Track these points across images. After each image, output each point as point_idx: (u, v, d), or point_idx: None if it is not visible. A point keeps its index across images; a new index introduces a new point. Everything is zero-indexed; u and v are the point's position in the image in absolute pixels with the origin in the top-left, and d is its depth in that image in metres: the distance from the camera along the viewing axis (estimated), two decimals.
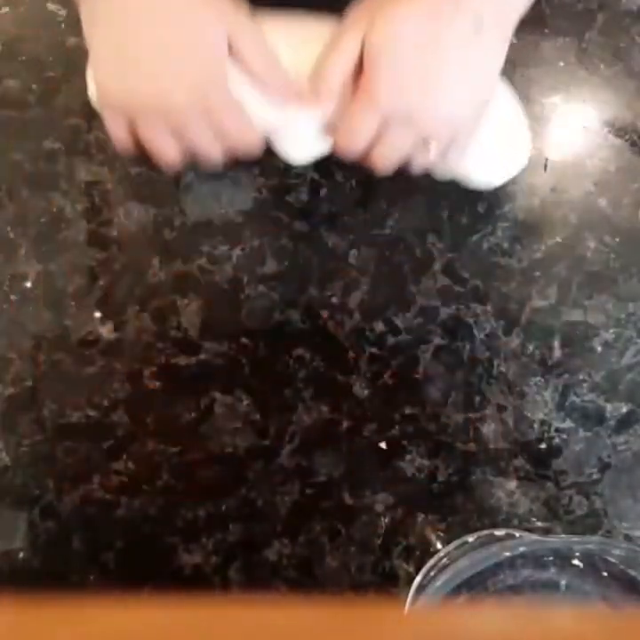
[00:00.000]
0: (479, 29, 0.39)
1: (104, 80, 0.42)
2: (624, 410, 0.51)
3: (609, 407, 0.51)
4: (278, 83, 0.42)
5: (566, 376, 0.51)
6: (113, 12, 0.39)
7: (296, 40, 0.43)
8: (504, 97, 0.46)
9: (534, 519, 0.50)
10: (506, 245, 0.51)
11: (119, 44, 0.40)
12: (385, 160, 0.43)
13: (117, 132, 0.43)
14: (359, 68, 0.41)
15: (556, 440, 0.50)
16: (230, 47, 0.40)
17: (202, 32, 0.40)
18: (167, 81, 0.40)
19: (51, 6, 0.51)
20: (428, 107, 0.41)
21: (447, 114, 0.42)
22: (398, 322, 0.50)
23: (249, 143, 0.43)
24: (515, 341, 0.51)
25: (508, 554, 0.46)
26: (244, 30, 0.41)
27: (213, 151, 0.43)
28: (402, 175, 0.45)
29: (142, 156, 0.43)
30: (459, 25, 0.39)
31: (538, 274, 0.51)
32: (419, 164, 0.44)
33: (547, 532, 0.50)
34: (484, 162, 0.47)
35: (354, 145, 0.43)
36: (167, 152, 0.43)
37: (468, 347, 0.50)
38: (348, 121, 0.42)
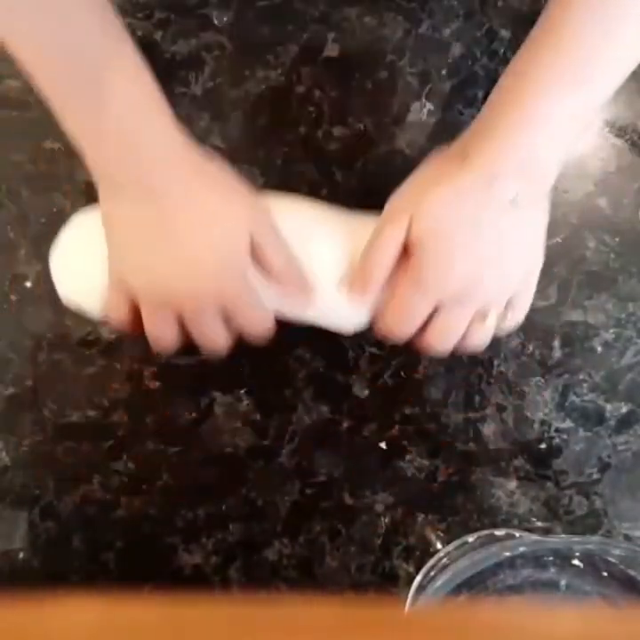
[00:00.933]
0: (515, 204, 0.40)
1: (124, 267, 0.42)
2: (624, 410, 0.51)
3: (609, 407, 0.51)
4: (296, 282, 0.43)
5: (566, 376, 0.51)
6: (145, 213, 0.40)
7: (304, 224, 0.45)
8: None
9: (534, 519, 0.50)
10: None
11: (148, 242, 0.40)
12: (442, 341, 0.43)
13: (119, 314, 0.43)
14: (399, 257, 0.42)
15: (556, 440, 0.50)
16: (252, 246, 0.41)
17: (231, 228, 0.41)
18: (190, 270, 0.40)
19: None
20: (477, 282, 0.41)
21: (497, 286, 0.42)
22: None
23: (261, 333, 0.44)
24: (515, 341, 0.51)
25: (507, 554, 0.46)
26: (268, 232, 0.42)
27: (220, 341, 0.43)
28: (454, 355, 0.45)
29: (140, 334, 0.43)
30: (495, 203, 0.40)
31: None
32: (478, 337, 0.44)
33: (547, 532, 0.50)
34: None
35: (404, 330, 0.43)
36: (167, 340, 0.43)
37: None
38: (397, 307, 0.42)
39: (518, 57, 0.40)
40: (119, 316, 0.43)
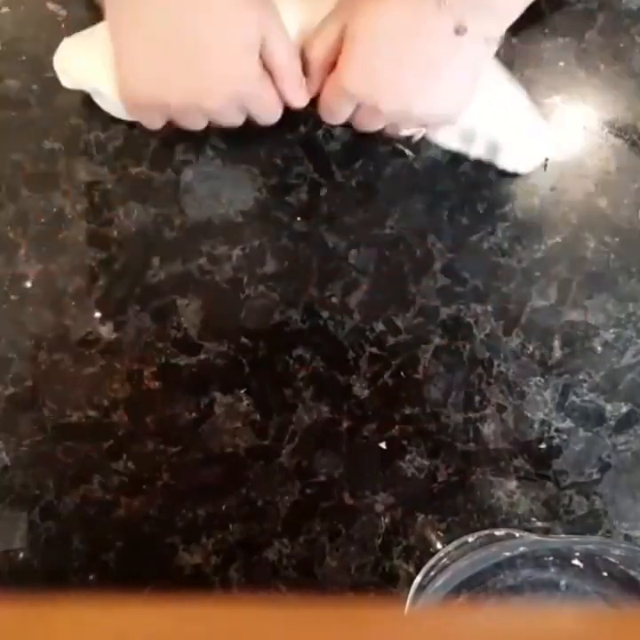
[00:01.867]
0: (461, 32, 0.39)
1: (135, 75, 0.42)
2: (624, 410, 0.51)
3: (609, 407, 0.51)
4: (295, 83, 0.44)
5: (566, 376, 0.51)
6: (151, 9, 0.40)
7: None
8: (517, 90, 0.48)
9: (534, 519, 0.50)
10: (506, 245, 0.51)
11: (155, 41, 0.40)
12: (364, 130, 0.45)
13: (150, 122, 0.44)
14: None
15: (556, 440, 0.50)
16: (263, 47, 0.42)
17: (242, 33, 0.41)
18: (204, 78, 0.41)
19: (51, 6, 0.51)
20: (395, 102, 0.42)
21: (417, 112, 0.43)
22: (398, 322, 0.50)
23: (272, 120, 0.46)
24: (515, 341, 0.51)
25: (507, 554, 0.46)
26: (279, 36, 0.42)
27: (237, 122, 0.45)
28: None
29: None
30: (438, 25, 0.39)
31: (538, 274, 0.51)
32: (396, 134, 0.46)
33: (547, 532, 0.50)
34: (507, 150, 0.49)
35: (333, 121, 0.45)
36: (196, 127, 0.45)
37: (467, 347, 0.50)
38: (323, 103, 0.44)
39: None
40: (153, 125, 0.45)
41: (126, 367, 0.50)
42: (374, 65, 0.41)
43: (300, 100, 0.45)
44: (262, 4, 0.42)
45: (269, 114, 0.45)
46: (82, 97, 0.51)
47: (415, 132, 0.46)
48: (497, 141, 0.48)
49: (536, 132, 0.50)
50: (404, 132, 0.46)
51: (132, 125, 0.51)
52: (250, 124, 0.46)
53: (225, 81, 0.41)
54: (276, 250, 0.50)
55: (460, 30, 0.39)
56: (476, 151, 0.49)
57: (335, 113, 0.45)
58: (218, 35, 0.40)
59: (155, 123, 0.45)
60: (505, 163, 0.50)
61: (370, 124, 0.45)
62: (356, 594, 0.49)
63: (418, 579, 0.47)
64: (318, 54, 0.43)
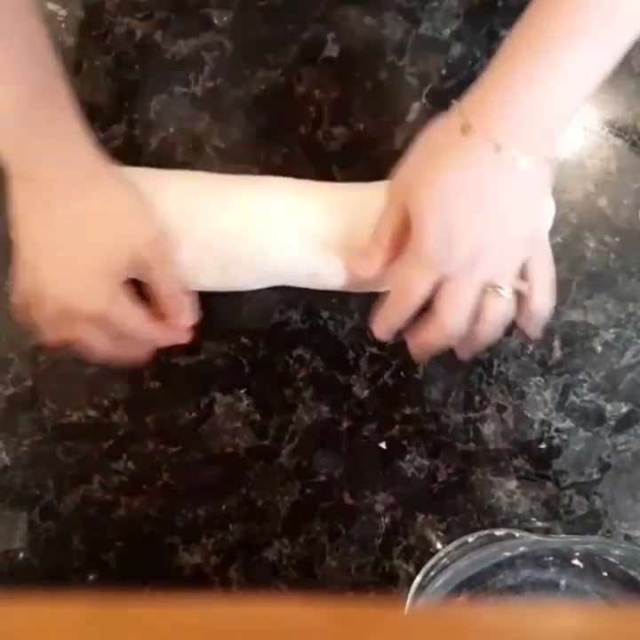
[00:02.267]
0: (519, 170, 0.39)
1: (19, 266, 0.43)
2: (624, 410, 0.51)
3: (609, 407, 0.51)
4: (179, 308, 0.45)
5: (566, 376, 0.51)
6: (33, 210, 0.41)
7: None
8: None
9: (534, 519, 0.50)
10: None
11: (40, 236, 0.42)
12: (451, 314, 0.42)
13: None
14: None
15: (556, 440, 0.50)
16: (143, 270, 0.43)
17: (110, 246, 0.42)
18: (66, 288, 0.41)
19: (51, 6, 0.51)
20: (481, 251, 0.40)
21: (503, 253, 0.41)
22: None
23: (139, 355, 0.46)
24: (515, 341, 0.51)
25: (507, 554, 0.46)
26: (156, 258, 0.43)
27: (105, 351, 0.44)
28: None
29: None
30: (499, 171, 0.39)
31: None
32: (495, 313, 0.43)
33: (547, 532, 0.50)
34: None
35: (408, 303, 0.42)
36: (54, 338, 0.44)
37: None
38: (396, 286, 0.43)
39: (516, 27, 0.39)
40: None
41: (126, 367, 0.50)
42: (453, 229, 0.40)
43: (183, 321, 0.45)
44: (138, 225, 0.42)
45: (137, 339, 0.44)
46: (82, 97, 0.51)
47: (518, 285, 0.42)
48: None
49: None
50: (505, 293, 0.42)
51: (132, 126, 0.51)
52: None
53: (79, 296, 0.41)
54: None
55: (521, 165, 0.39)
56: None
57: (414, 289, 0.41)
58: (79, 248, 0.41)
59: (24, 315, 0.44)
60: None
61: (458, 295, 0.41)
62: (356, 594, 0.49)
63: (418, 579, 0.47)
64: (381, 237, 0.42)
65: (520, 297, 0.43)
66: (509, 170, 0.39)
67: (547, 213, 0.45)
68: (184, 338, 0.45)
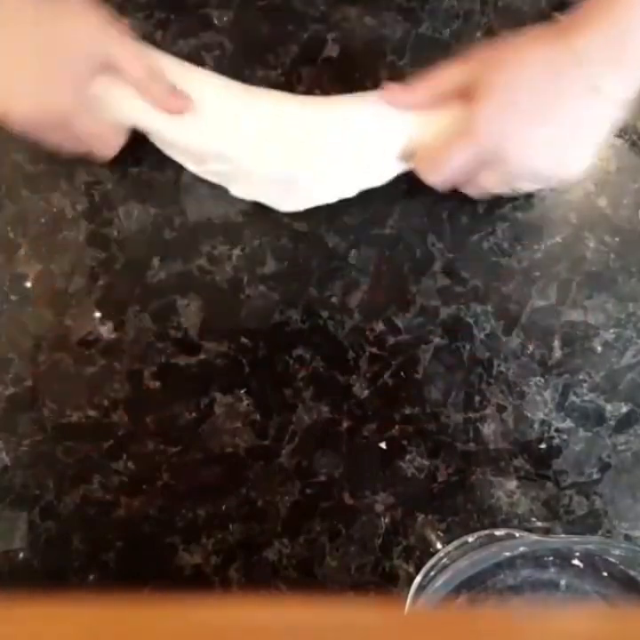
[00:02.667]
0: (597, 91, 0.39)
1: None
2: (624, 410, 0.51)
3: (609, 407, 0.51)
4: (160, 89, 0.44)
5: (566, 376, 0.51)
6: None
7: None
8: None
9: (534, 519, 0.50)
10: (506, 245, 0.51)
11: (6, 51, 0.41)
12: (472, 187, 0.44)
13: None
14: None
15: (556, 440, 0.50)
16: (111, 65, 0.42)
17: (74, 45, 0.42)
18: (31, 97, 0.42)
19: None
20: (524, 156, 0.41)
21: (542, 169, 0.42)
22: (398, 322, 0.50)
23: (104, 150, 0.46)
24: (515, 341, 0.51)
25: (507, 554, 0.46)
26: (122, 46, 0.43)
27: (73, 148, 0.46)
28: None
29: None
30: (578, 82, 0.39)
31: (538, 274, 0.51)
32: (489, 187, 0.44)
33: (547, 532, 0.50)
34: None
35: (441, 176, 0.43)
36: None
37: (467, 347, 0.50)
38: (442, 151, 0.42)
39: None
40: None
41: (126, 367, 0.50)
42: (509, 117, 0.40)
43: (175, 107, 0.44)
44: (101, 20, 0.42)
45: (97, 143, 0.45)
46: None
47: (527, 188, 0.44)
48: None
49: None
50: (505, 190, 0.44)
51: None
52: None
53: (44, 101, 0.42)
54: (276, 250, 0.50)
55: (595, 89, 0.39)
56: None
57: (450, 161, 0.42)
58: (47, 42, 0.41)
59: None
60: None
61: (478, 183, 0.43)
62: (356, 594, 0.49)
63: (418, 579, 0.47)
64: (439, 82, 0.42)
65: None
66: (587, 92, 0.39)
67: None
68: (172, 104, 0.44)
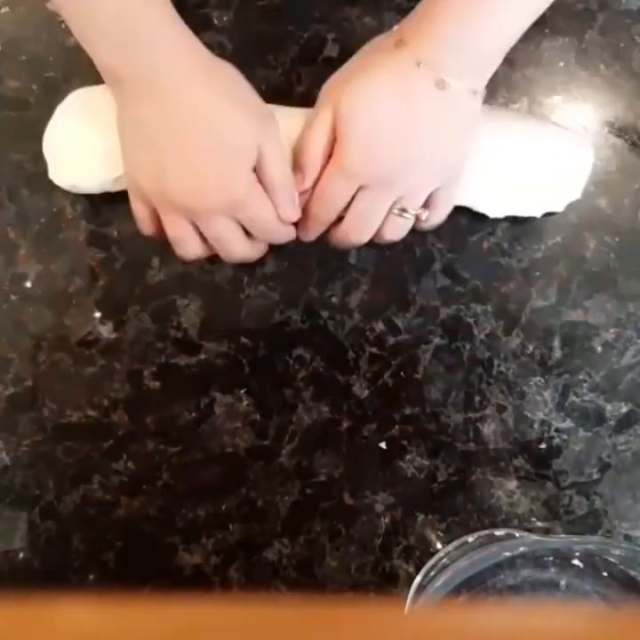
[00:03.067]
0: (441, 88, 0.40)
1: (135, 172, 0.42)
2: (624, 410, 0.51)
3: (609, 407, 0.51)
4: (288, 197, 0.43)
5: (566, 376, 0.51)
6: (150, 111, 0.40)
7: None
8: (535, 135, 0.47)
9: (534, 519, 0.50)
10: (506, 245, 0.51)
11: (153, 142, 0.40)
12: (359, 227, 0.44)
13: (143, 220, 0.44)
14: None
15: (556, 440, 0.50)
16: (259, 161, 0.42)
17: (239, 139, 0.40)
18: (199, 179, 0.41)
19: (51, 6, 0.51)
20: (399, 168, 0.41)
21: (418, 174, 0.42)
22: (398, 322, 0.50)
23: (282, 239, 0.45)
24: (515, 341, 0.51)
25: (507, 554, 0.46)
26: (275, 146, 0.42)
27: (238, 249, 0.44)
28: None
29: (165, 242, 0.44)
30: (419, 86, 0.40)
31: (538, 274, 0.51)
32: (393, 230, 0.45)
33: (547, 531, 0.50)
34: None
35: (325, 214, 0.44)
36: (189, 246, 0.44)
37: (467, 347, 0.50)
38: (320, 191, 0.43)
39: None
40: (143, 222, 0.44)
41: (126, 367, 0.50)
42: (373, 139, 0.41)
43: (292, 215, 0.44)
44: (262, 117, 0.42)
45: (266, 230, 0.44)
46: None
47: (420, 212, 0.44)
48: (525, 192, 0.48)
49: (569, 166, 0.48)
50: (409, 216, 0.44)
51: None
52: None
53: (218, 187, 0.41)
54: (276, 250, 0.50)
55: (440, 84, 0.40)
56: (502, 210, 0.49)
57: (334, 198, 0.43)
58: (213, 139, 0.40)
59: (145, 218, 0.44)
60: (544, 207, 0.49)
61: (369, 210, 0.43)
62: (356, 594, 0.49)
63: (418, 579, 0.47)
64: (315, 143, 0.42)
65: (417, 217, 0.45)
66: (435, 91, 0.40)
67: (471, 148, 0.44)
68: (291, 234, 0.45)
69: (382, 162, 0.41)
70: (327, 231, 0.46)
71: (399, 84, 0.40)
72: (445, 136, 0.42)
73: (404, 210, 0.44)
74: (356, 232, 0.44)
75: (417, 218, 0.44)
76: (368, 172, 0.41)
